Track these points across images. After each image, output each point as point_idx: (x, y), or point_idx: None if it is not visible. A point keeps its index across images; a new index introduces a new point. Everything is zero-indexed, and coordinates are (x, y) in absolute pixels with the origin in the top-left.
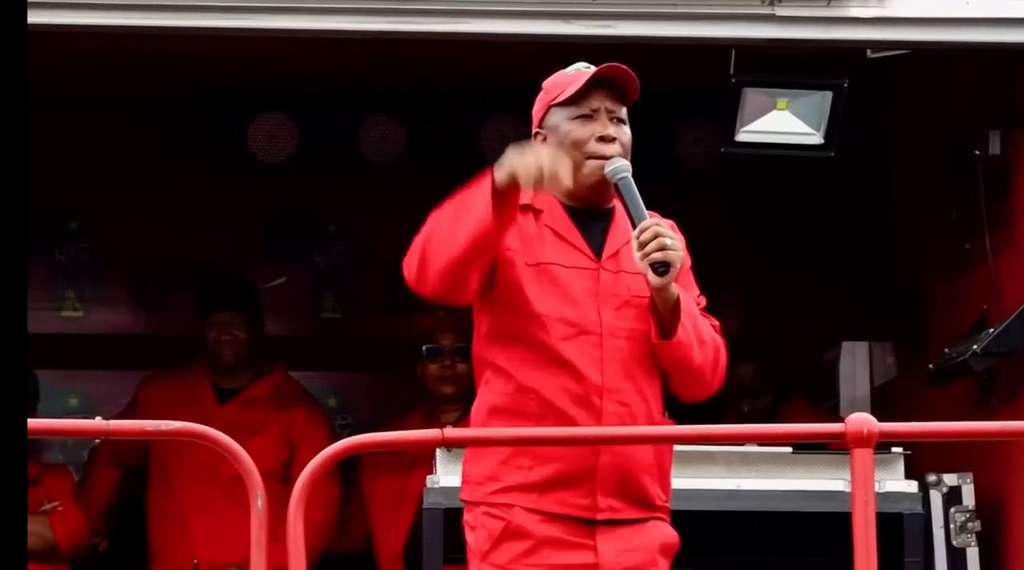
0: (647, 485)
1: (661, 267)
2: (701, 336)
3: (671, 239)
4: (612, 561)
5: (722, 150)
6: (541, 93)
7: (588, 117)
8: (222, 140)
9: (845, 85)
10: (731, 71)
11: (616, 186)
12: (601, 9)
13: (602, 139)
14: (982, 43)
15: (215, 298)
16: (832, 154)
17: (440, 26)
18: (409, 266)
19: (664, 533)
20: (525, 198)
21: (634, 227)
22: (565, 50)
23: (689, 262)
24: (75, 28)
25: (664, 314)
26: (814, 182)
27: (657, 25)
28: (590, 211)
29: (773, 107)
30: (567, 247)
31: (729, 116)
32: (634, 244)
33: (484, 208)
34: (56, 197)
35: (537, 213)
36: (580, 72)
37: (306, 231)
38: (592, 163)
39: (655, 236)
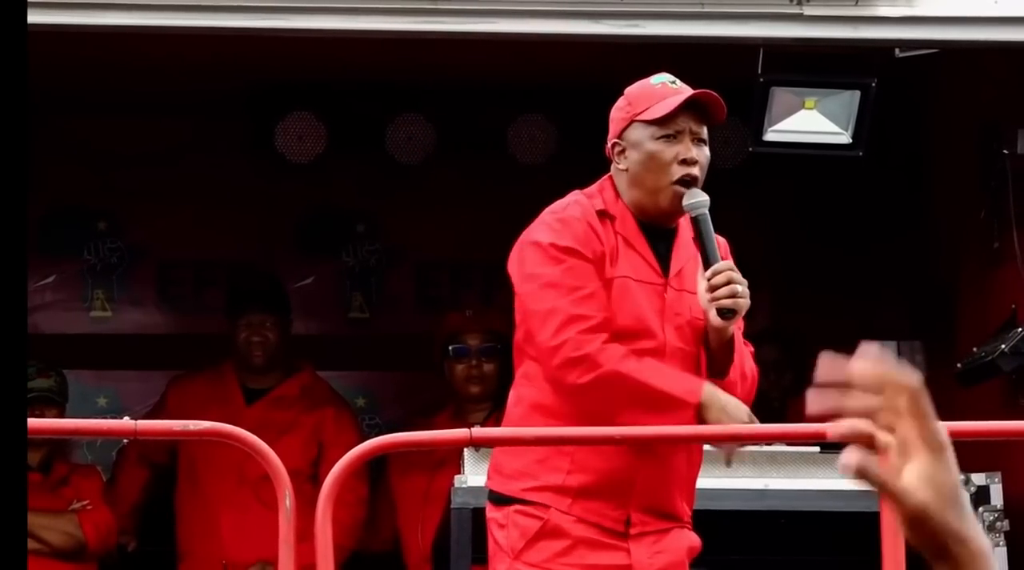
0: (677, 500)
1: (728, 313)
2: (743, 370)
3: (742, 285)
4: (645, 562)
5: (750, 149)
6: (623, 102)
7: (672, 137)
8: (251, 140)
9: (873, 84)
10: (759, 70)
11: (694, 220)
12: (629, 8)
13: (685, 162)
14: (1011, 42)
15: (245, 298)
16: (860, 154)
17: (468, 26)
18: (573, 368)
19: (690, 539)
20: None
21: (706, 265)
22: (593, 49)
23: None
24: (105, 28)
25: (717, 350)
26: (843, 182)
27: (685, 24)
28: (657, 228)
29: (801, 106)
30: (637, 259)
31: (757, 115)
32: (702, 284)
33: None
34: (85, 197)
35: (612, 219)
36: (667, 88)
37: (334, 231)
38: (672, 190)
39: (727, 281)
